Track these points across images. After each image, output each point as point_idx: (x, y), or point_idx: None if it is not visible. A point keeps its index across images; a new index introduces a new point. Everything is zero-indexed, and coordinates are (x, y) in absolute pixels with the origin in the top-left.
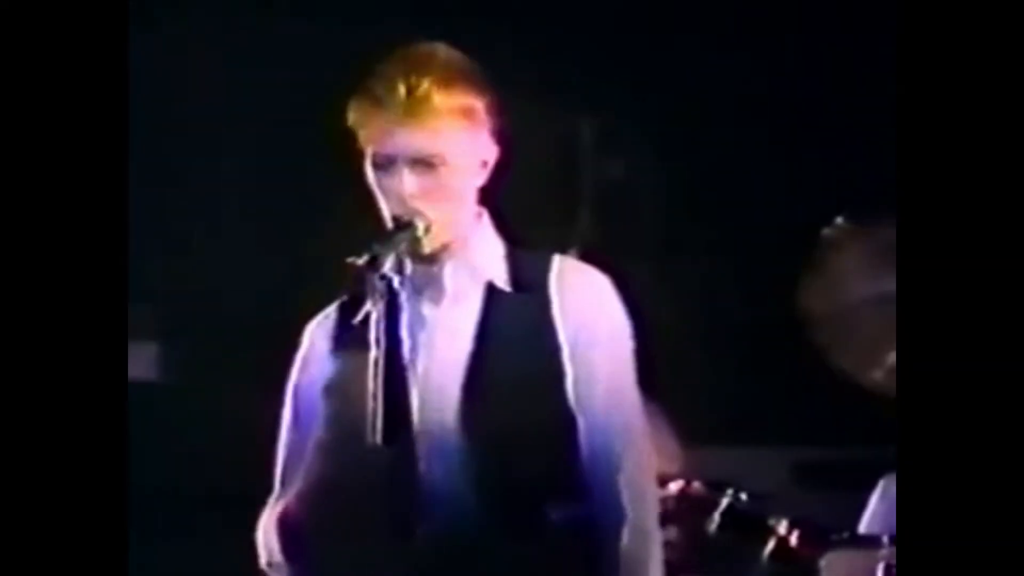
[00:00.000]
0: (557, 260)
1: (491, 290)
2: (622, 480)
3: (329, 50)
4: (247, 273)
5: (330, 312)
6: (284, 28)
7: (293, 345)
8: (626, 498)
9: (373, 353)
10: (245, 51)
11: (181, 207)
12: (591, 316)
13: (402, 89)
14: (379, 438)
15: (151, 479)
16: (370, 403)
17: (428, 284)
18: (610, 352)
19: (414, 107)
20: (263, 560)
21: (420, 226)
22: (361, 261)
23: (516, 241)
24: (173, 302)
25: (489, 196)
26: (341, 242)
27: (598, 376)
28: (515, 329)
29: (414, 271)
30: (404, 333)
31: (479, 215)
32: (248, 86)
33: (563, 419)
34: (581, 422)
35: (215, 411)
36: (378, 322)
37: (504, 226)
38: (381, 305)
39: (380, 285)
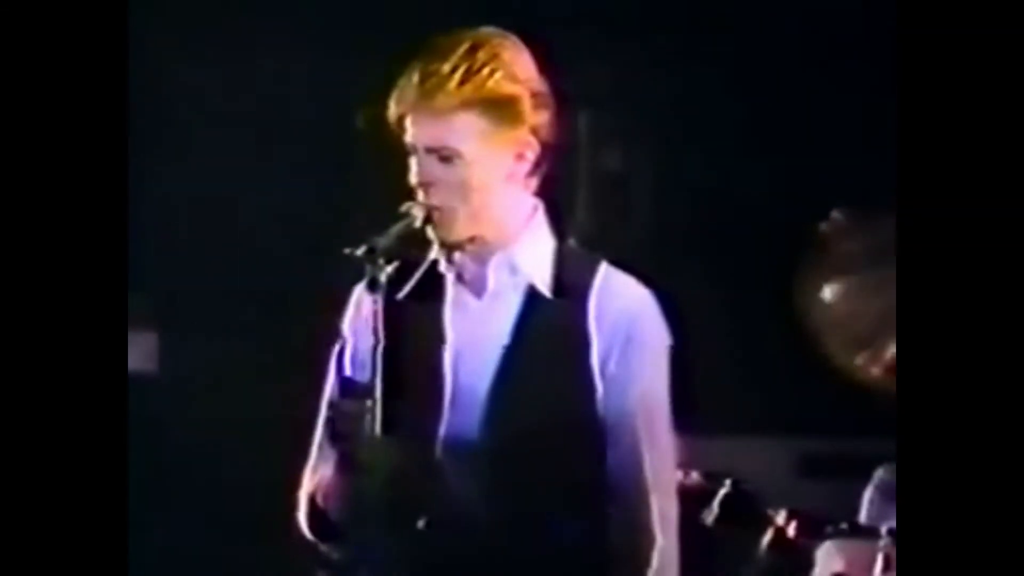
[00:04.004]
0: (603, 269)
1: (532, 292)
2: (650, 498)
3: (331, 48)
4: (247, 264)
5: (357, 294)
6: (284, 26)
7: (293, 337)
8: (654, 516)
9: (371, 346)
10: (245, 47)
11: (180, 197)
12: (629, 334)
13: (415, 78)
14: (377, 430)
15: (151, 471)
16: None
17: (470, 277)
18: (645, 372)
19: (424, 98)
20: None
21: (418, 216)
22: (359, 252)
23: (567, 236)
24: (173, 292)
25: (541, 190)
26: (341, 233)
27: (631, 394)
28: (551, 335)
29: (459, 262)
30: (447, 323)
31: (534, 208)
32: (248, 79)
33: (589, 431)
34: (611, 437)
35: (215, 402)
36: (376, 315)
37: (556, 220)
38: (380, 297)
39: (379, 277)
